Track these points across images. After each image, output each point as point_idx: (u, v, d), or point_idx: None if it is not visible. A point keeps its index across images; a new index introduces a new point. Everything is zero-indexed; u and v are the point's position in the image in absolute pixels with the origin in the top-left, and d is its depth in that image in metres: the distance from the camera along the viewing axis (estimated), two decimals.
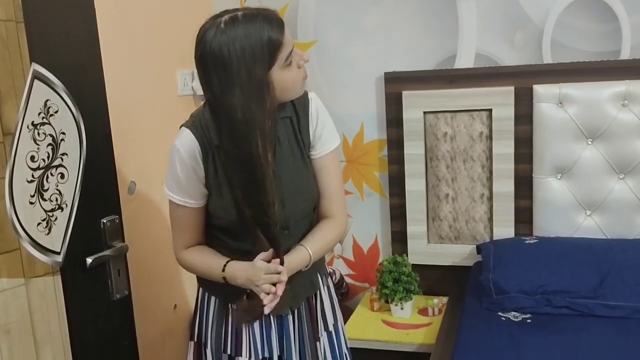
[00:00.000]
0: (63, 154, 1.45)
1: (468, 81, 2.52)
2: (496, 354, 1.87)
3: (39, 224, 1.40)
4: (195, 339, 1.72)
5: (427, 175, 2.64)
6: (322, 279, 1.73)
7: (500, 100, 2.47)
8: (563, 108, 2.39)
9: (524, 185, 2.52)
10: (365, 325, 2.53)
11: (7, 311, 1.36)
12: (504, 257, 2.32)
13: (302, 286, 1.63)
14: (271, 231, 1.46)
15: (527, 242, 2.39)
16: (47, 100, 1.41)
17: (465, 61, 2.57)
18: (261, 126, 1.38)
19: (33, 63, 1.38)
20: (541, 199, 2.47)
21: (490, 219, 2.59)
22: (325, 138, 1.62)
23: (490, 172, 2.55)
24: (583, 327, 2.01)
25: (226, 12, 1.41)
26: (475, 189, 2.59)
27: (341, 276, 2.86)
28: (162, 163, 1.68)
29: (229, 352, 1.65)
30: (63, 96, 1.45)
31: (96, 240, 1.57)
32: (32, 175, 1.38)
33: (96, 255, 1.55)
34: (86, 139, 1.51)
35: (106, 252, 1.58)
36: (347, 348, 1.79)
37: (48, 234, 1.42)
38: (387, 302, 2.58)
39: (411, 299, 2.53)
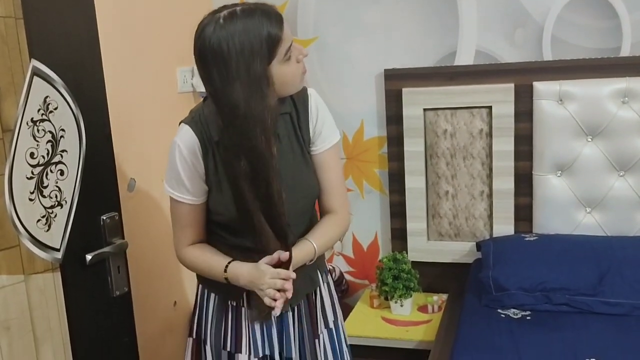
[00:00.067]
0: (63, 151, 1.45)
1: (468, 78, 2.51)
2: (496, 351, 1.87)
3: (38, 220, 1.40)
4: (194, 336, 1.72)
5: (427, 172, 2.64)
6: (322, 276, 1.73)
7: (500, 97, 2.47)
8: (563, 105, 2.39)
9: (523, 182, 2.52)
10: (365, 322, 2.53)
11: (6, 308, 1.36)
12: (504, 254, 2.32)
13: (302, 283, 1.63)
14: (280, 223, 1.45)
15: (527, 239, 2.39)
16: (46, 97, 1.41)
17: (465, 58, 2.57)
18: (264, 120, 1.38)
19: (32, 59, 1.38)
20: (541, 196, 2.47)
21: (490, 216, 2.59)
22: (326, 134, 1.62)
23: (490, 170, 2.55)
24: (582, 324, 2.01)
25: (225, 7, 1.41)
26: (475, 186, 2.59)
27: (341, 273, 2.86)
28: (162, 160, 1.68)
29: (228, 348, 1.65)
30: (62, 93, 1.45)
31: (96, 237, 1.57)
32: (32, 172, 1.38)
33: (96, 252, 1.55)
34: (86, 136, 1.51)
35: (106, 249, 1.58)
36: (346, 345, 1.79)
37: (48, 230, 1.42)
38: (386, 299, 2.58)
39: (411, 296, 2.54)
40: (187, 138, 1.52)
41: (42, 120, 1.40)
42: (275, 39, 1.38)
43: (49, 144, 1.42)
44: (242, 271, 1.52)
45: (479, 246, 2.52)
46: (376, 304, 2.64)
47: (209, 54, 1.37)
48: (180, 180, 1.55)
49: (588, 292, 2.11)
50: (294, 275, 1.47)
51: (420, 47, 2.62)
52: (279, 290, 1.46)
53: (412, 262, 2.61)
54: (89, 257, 1.53)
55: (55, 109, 1.43)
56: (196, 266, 1.63)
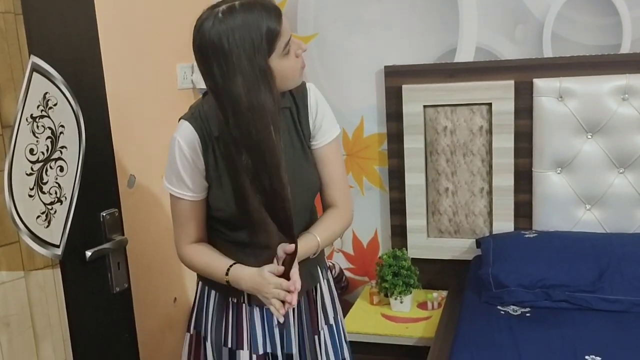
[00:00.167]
0: (62, 147, 1.45)
1: (468, 75, 2.51)
2: (495, 348, 1.88)
3: (38, 217, 1.40)
4: (191, 331, 1.72)
5: (427, 169, 2.64)
6: (322, 272, 1.73)
7: (500, 94, 2.47)
8: (563, 102, 2.38)
9: (523, 179, 2.52)
10: (365, 319, 2.53)
11: (6, 304, 1.36)
12: (504, 251, 2.32)
13: (302, 279, 1.63)
14: (285, 215, 1.44)
15: (527, 236, 2.39)
16: (46, 93, 1.41)
17: (465, 55, 2.56)
18: (270, 112, 1.38)
19: (32, 55, 1.38)
20: (541, 193, 2.47)
21: (490, 213, 2.59)
22: (326, 128, 1.61)
23: (490, 166, 2.55)
24: (582, 320, 2.01)
25: (224, 1, 1.40)
26: (475, 183, 2.59)
27: (341, 270, 2.86)
28: (162, 156, 1.68)
29: (229, 345, 1.65)
30: (62, 89, 1.45)
31: (96, 233, 1.57)
32: (32, 168, 1.38)
33: (96, 249, 1.55)
34: (85, 132, 1.51)
35: (106, 245, 1.58)
36: (346, 342, 1.79)
37: (47, 227, 1.42)
38: (386, 295, 2.58)
39: (410, 292, 2.54)
40: (187, 134, 1.52)
41: (42, 117, 1.40)
42: (274, 32, 1.38)
43: (49, 140, 1.42)
44: (243, 275, 1.52)
45: (478, 243, 2.52)
46: (376, 300, 2.64)
47: (209, 48, 1.36)
48: (180, 177, 1.55)
49: (588, 289, 2.11)
50: (299, 286, 1.47)
51: (420, 43, 2.61)
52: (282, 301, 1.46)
53: (412, 258, 2.61)
54: (88, 253, 1.53)
55: (55, 105, 1.43)
56: (197, 266, 1.62)
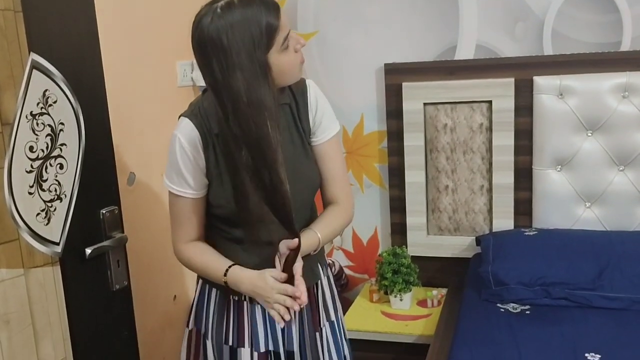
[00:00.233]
0: (62, 145, 1.45)
1: (468, 72, 2.51)
2: (495, 345, 1.88)
3: (38, 214, 1.40)
4: (190, 327, 1.71)
5: (427, 166, 2.64)
6: (322, 269, 1.72)
7: (501, 92, 2.47)
8: (563, 99, 2.38)
9: (523, 177, 2.52)
10: (365, 317, 2.53)
11: (6, 301, 1.36)
12: (503, 248, 2.32)
13: (303, 276, 1.63)
14: (286, 211, 1.44)
15: (527, 233, 2.39)
16: (45, 91, 1.41)
17: (465, 52, 2.56)
18: (267, 107, 1.38)
19: (31, 53, 1.37)
20: (541, 190, 2.47)
21: (490, 211, 2.59)
22: (326, 124, 1.61)
23: (490, 164, 2.55)
24: (582, 318, 2.01)
25: None
26: (475, 180, 2.59)
27: (340, 267, 2.86)
28: (162, 154, 1.68)
29: (230, 343, 1.64)
30: (62, 86, 1.44)
31: (95, 230, 1.56)
32: (31, 166, 1.38)
33: (95, 246, 1.54)
34: (85, 130, 1.50)
35: (105, 243, 1.57)
36: (346, 339, 1.79)
37: (47, 224, 1.42)
38: (386, 293, 2.58)
39: (410, 290, 2.54)
40: (187, 131, 1.52)
41: (42, 114, 1.40)
42: (273, 27, 1.38)
43: (49, 137, 1.41)
44: (242, 278, 1.52)
45: (478, 241, 2.52)
46: (376, 298, 2.64)
47: (208, 44, 1.36)
48: (180, 174, 1.54)
49: (587, 287, 2.11)
50: (304, 289, 1.47)
51: (420, 41, 2.61)
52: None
53: (412, 256, 2.61)
54: (88, 251, 1.52)
55: (55, 102, 1.43)
56: (195, 266, 1.61)
